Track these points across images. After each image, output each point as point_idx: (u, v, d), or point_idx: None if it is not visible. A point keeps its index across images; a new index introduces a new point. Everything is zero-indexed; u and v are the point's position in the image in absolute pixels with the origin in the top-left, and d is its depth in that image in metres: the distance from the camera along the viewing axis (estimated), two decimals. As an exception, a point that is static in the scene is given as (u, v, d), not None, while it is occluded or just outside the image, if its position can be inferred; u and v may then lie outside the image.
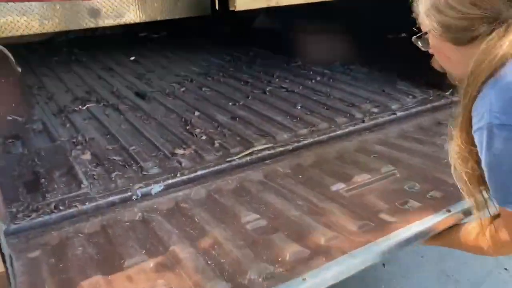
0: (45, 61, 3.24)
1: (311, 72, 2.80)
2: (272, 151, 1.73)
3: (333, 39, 3.00)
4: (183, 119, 2.10)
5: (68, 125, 2.06)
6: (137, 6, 3.87)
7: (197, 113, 2.18)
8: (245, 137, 1.86)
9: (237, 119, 2.09)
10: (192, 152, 1.75)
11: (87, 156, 1.74)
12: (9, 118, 2.07)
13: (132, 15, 3.87)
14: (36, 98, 2.45)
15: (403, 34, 2.18)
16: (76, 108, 2.27)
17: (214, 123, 2.05)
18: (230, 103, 2.31)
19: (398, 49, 1.98)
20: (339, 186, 1.47)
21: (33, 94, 2.50)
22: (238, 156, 1.69)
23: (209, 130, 1.96)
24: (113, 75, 2.89)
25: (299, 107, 2.21)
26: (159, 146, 1.79)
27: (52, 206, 1.36)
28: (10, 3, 3.25)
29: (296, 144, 1.78)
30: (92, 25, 3.75)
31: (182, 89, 2.57)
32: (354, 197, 1.41)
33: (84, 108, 2.29)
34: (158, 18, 4.03)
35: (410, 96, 2.25)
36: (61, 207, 1.35)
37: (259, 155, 1.70)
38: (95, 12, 3.69)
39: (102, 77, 2.83)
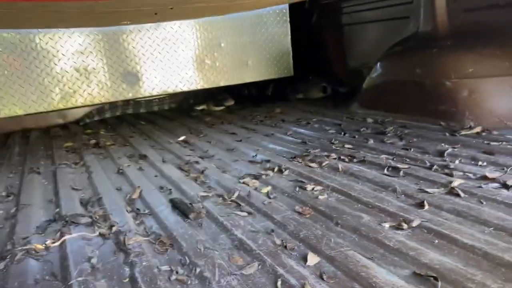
0: (50, 149, 2.12)
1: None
2: None
3: None
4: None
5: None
6: (191, 69, 2.77)
7: (333, 270, 0.84)
8: None
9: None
10: None
11: None
12: None
13: (184, 82, 2.77)
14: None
15: None
16: (34, 246, 1.01)
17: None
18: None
19: None
20: None
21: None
22: None
23: None
24: (143, 166, 1.66)
25: None
26: None
27: None
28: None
29: None
30: (129, 96, 2.68)
31: (267, 190, 1.26)
32: None
33: (56, 244, 1.03)
34: (221, 84, 2.91)
35: None
36: None
37: None
38: (131, 79, 2.63)
39: (122, 172, 1.60)
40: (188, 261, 0.87)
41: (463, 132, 1.61)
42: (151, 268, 0.85)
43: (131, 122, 2.69)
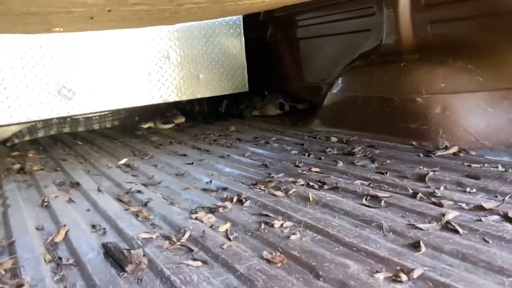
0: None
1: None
2: None
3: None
4: None
5: None
6: (136, 83, 2.51)
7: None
8: None
9: None
10: None
11: None
12: None
13: (128, 97, 2.50)
14: None
15: None
16: None
17: None
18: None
19: None
20: None
21: None
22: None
23: None
24: (73, 197, 1.38)
25: None
26: None
27: None
28: None
29: None
30: (64, 114, 2.37)
31: (225, 228, 1.03)
32: None
33: None
34: (170, 100, 2.66)
35: None
36: None
37: None
38: (67, 94, 2.33)
39: (47, 205, 1.32)
40: None
41: (439, 153, 1.47)
42: None
43: (67, 142, 2.37)
